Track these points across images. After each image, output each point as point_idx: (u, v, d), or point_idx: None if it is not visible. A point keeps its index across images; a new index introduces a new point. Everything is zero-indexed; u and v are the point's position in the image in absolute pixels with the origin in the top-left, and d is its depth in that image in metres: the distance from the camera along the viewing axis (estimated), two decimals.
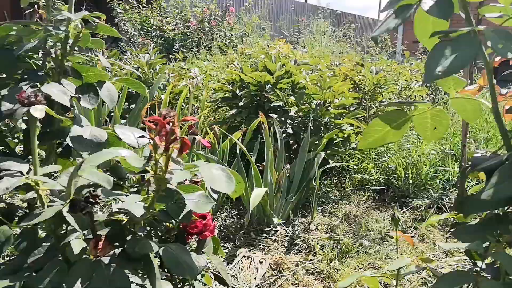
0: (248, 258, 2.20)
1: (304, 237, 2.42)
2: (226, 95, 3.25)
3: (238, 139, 2.71)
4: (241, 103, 2.97)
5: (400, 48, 9.54)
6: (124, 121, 3.56)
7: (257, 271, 2.11)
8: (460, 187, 0.75)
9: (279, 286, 1.99)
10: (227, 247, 2.32)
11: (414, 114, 0.79)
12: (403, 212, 2.86)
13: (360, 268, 2.18)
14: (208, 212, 1.16)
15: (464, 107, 0.78)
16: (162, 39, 7.43)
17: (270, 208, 2.51)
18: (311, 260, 2.23)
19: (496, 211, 0.68)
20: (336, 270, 2.12)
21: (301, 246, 2.36)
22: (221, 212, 2.73)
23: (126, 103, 3.91)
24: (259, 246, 2.35)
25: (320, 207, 2.86)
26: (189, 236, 1.10)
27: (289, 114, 2.88)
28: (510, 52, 0.56)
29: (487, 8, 0.79)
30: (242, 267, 2.13)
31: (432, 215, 2.76)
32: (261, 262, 2.18)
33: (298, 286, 2.02)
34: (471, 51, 0.59)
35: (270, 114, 2.88)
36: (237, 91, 3.08)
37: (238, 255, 2.22)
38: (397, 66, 3.98)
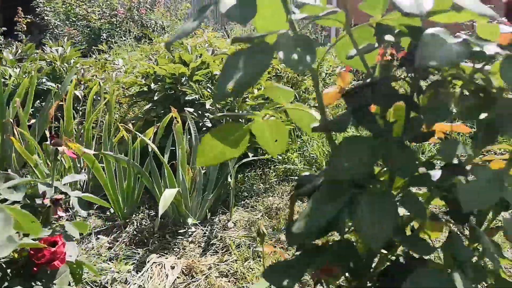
0: (159, 265, 2.09)
1: (221, 236, 2.34)
2: (142, 89, 3.08)
3: (150, 137, 2.57)
4: (155, 97, 2.82)
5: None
6: (34, 120, 3.31)
7: (167, 278, 2.00)
8: (289, 212, 0.66)
9: None
10: (138, 254, 2.19)
11: (249, 127, 0.70)
12: None
13: None
14: (58, 236, 1.04)
15: (301, 117, 0.70)
16: (88, 29, 7.04)
17: (185, 208, 2.40)
18: (226, 261, 2.15)
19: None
20: (250, 270, 2.05)
21: (218, 246, 2.28)
22: (137, 214, 2.59)
23: (38, 101, 3.65)
24: (174, 249, 2.24)
25: (242, 201, 2.78)
26: (36, 268, 0.97)
27: (206, 107, 2.77)
28: (304, 66, 0.47)
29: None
30: (152, 275, 2.01)
31: None
32: (172, 268, 2.07)
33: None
34: (264, 61, 0.49)
35: (187, 108, 2.75)
36: (152, 85, 2.92)
37: (148, 261, 2.10)
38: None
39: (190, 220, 2.39)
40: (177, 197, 2.30)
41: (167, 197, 2.18)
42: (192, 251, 2.24)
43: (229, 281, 2.00)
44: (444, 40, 0.53)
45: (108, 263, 2.11)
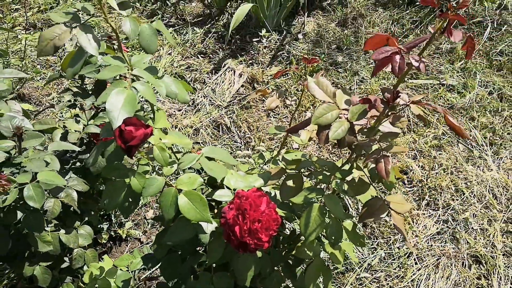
0: (231, 70, 2.63)
1: (288, 48, 2.68)
2: None
3: None
4: None
5: None
6: None
7: (234, 84, 2.58)
8: None
9: (247, 102, 2.48)
10: (220, 55, 2.72)
11: None
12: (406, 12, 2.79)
13: None
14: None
15: None
16: None
17: (263, 16, 2.69)
18: (284, 75, 2.59)
19: None
20: (298, 91, 2.50)
21: (284, 57, 2.67)
22: (230, 5, 2.95)
23: None
24: (250, 52, 2.69)
25: (326, 1, 2.90)
26: None
27: None
28: None
29: None
30: (224, 79, 2.60)
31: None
32: (240, 76, 2.61)
33: (263, 102, 2.50)
34: None
35: None
36: None
37: (224, 65, 2.65)
38: None
39: (266, 29, 2.72)
40: (255, 8, 2.60)
41: (240, 13, 2.51)
42: (263, 57, 2.68)
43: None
44: None
45: (197, 58, 2.71)
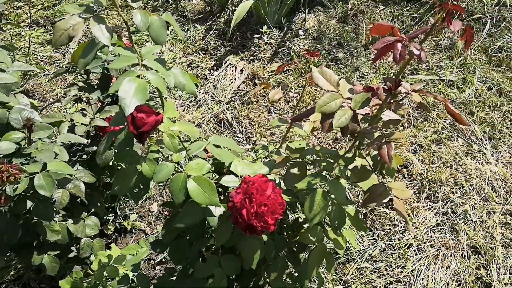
0: (232, 66, 2.66)
1: (289, 44, 2.71)
2: None
3: None
4: None
5: None
6: None
7: (235, 81, 2.61)
8: None
9: (248, 98, 2.51)
10: (221, 51, 2.75)
11: None
12: (406, 9, 2.82)
13: None
14: None
15: None
16: None
17: (264, 13, 2.72)
18: (285, 71, 2.63)
19: None
20: (299, 86, 2.53)
21: (284, 53, 2.70)
22: (231, 3, 2.98)
23: None
24: (250, 48, 2.72)
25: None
26: None
27: None
28: None
29: None
30: (225, 75, 2.63)
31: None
32: (241, 72, 2.64)
33: (264, 98, 2.53)
34: None
35: None
36: None
37: (225, 62, 2.68)
38: None
39: (264, 28, 2.75)
40: (256, 5, 2.62)
41: (242, 9, 2.54)
42: (264, 53, 2.71)
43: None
44: None
45: (199, 54, 2.74)
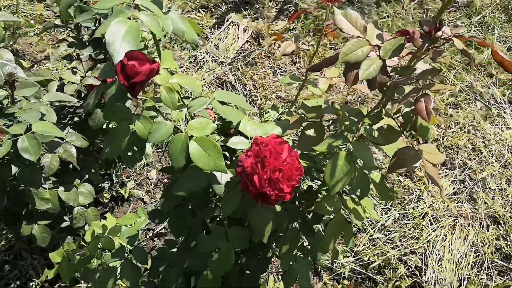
0: (235, 25, 2.49)
1: (295, 1, 2.53)
2: None
3: None
4: None
5: None
6: None
7: (238, 40, 2.44)
8: None
9: (252, 59, 2.36)
10: (222, 9, 2.57)
11: None
12: None
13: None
14: None
15: None
16: None
17: None
18: (293, 29, 2.46)
19: None
20: (305, 45, 2.37)
21: (290, 11, 2.52)
22: None
23: None
24: (254, 6, 2.55)
25: None
26: None
27: None
28: None
29: None
30: (227, 35, 2.47)
31: None
32: (244, 30, 2.48)
33: (269, 59, 2.38)
34: None
35: None
36: None
37: (227, 20, 2.51)
38: None
39: None
40: None
41: None
42: (268, 10, 2.54)
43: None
44: None
45: (199, 12, 2.56)
